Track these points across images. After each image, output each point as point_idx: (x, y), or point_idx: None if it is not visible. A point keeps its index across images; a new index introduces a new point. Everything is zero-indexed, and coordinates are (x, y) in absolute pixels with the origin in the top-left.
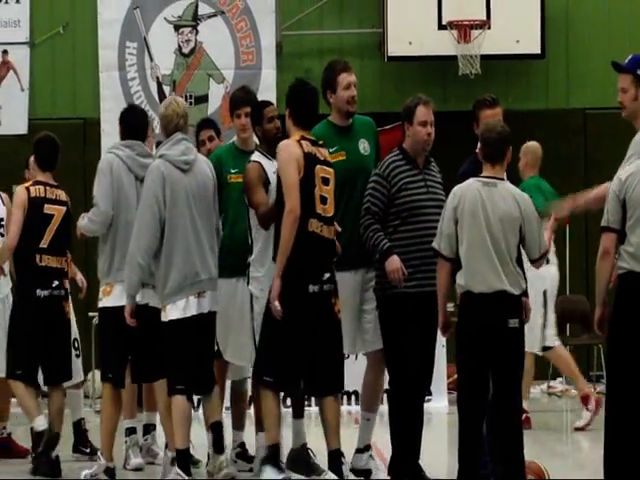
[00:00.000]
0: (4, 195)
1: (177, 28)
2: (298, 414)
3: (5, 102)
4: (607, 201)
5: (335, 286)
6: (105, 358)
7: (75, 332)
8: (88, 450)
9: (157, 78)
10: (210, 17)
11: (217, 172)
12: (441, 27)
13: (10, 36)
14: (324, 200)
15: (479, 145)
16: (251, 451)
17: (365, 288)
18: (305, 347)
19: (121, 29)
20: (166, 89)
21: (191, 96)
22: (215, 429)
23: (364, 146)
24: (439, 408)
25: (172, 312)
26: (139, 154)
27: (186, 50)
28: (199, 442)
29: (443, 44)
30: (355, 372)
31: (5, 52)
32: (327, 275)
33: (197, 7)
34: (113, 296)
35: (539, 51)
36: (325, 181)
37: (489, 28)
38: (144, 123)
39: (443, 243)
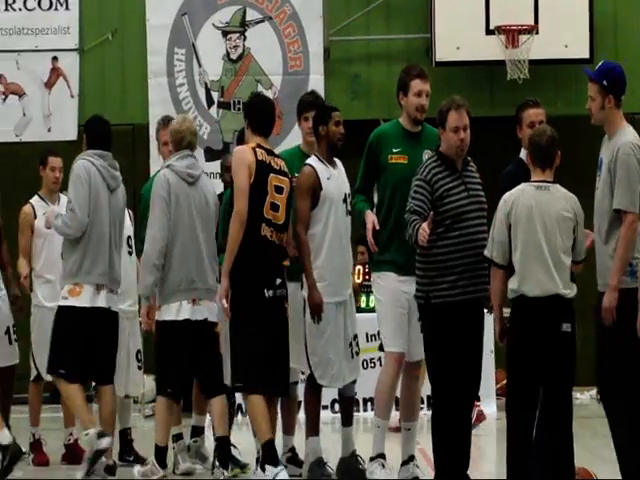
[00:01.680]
0: (131, 212)
1: (225, 34)
2: (347, 422)
3: (55, 108)
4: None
5: (286, 291)
6: (57, 353)
7: (139, 343)
8: (132, 459)
9: (205, 84)
10: (258, 23)
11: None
12: (489, 32)
13: (60, 43)
14: (275, 207)
15: (528, 149)
16: (301, 455)
17: (412, 297)
18: (267, 350)
19: (169, 35)
20: (214, 95)
21: (239, 102)
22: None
23: (427, 157)
24: (488, 414)
25: (165, 313)
26: (110, 165)
27: (234, 56)
28: (246, 448)
29: (491, 49)
30: (370, 379)
31: (55, 59)
32: (279, 280)
33: (245, 13)
34: (82, 297)
35: (587, 56)
36: (278, 189)
37: (537, 33)
38: (109, 133)
39: (496, 250)
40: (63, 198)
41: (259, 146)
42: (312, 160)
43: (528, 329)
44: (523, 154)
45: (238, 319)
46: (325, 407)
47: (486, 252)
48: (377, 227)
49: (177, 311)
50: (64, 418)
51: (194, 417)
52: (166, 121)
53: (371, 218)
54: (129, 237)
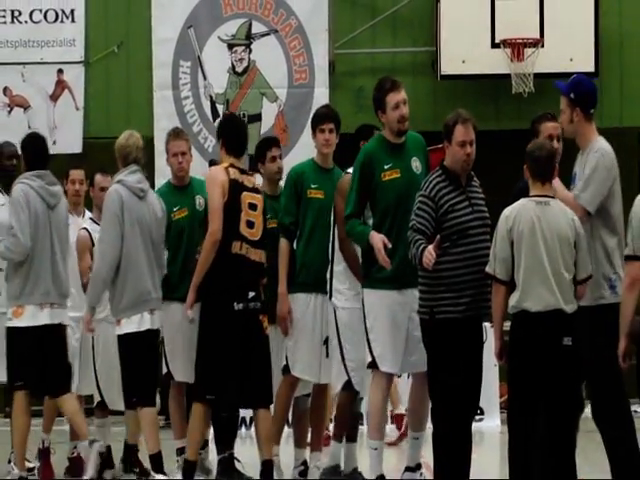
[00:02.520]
0: None
1: (231, 47)
2: (351, 438)
3: (60, 121)
4: (631, 228)
5: (262, 304)
6: (16, 369)
7: None
8: (137, 470)
9: (210, 97)
10: (263, 36)
11: (298, 186)
12: (494, 45)
13: (65, 55)
14: (251, 224)
15: (527, 163)
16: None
17: (413, 308)
18: (236, 362)
19: (175, 48)
20: (219, 108)
21: (244, 115)
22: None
23: (416, 165)
24: (491, 427)
25: (127, 326)
26: (48, 183)
27: (239, 69)
28: (250, 461)
29: (496, 62)
30: None
31: (60, 71)
32: (252, 294)
33: (250, 26)
34: (24, 317)
35: (593, 69)
36: (252, 206)
37: (542, 46)
38: (45, 149)
39: (498, 267)
40: (87, 214)
41: (232, 166)
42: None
43: (529, 344)
44: None
45: (207, 331)
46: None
47: (488, 269)
48: (389, 245)
49: (139, 322)
50: (70, 432)
51: None
52: (177, 133)
53: (379, 237)
54: None
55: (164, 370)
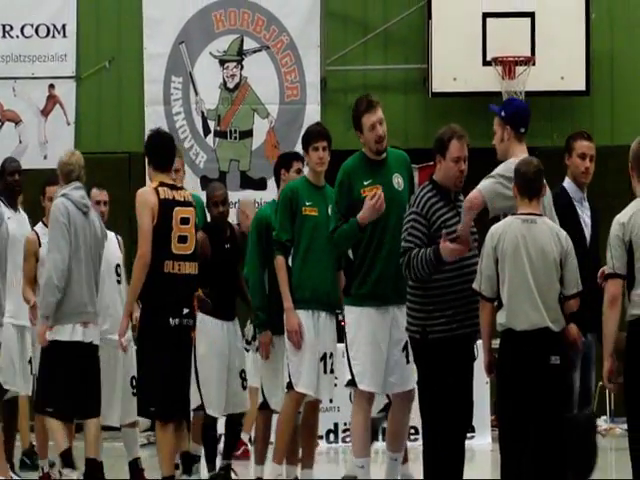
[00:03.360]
0: (120, 239)
1: (222, 63)
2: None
3: (51, 136)
4: (610, 247)
5: (194, 321)
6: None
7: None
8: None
9: (202, 113)
10: (255, 52)
11: (293, 204)
12: (486, 63)
13: (56, 70)
14: (183, 239)
15: (515, 180)
16: None
17: (394, 326)
18: (173, 375)
19: (166, 64)
20: (211, 124)
21: (236, 131)
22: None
23: (398, 181)
24: (482, 445)
25: (59, 334)
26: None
27: (231, 85)
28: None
29: (488, 80)
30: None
31: (52, 86)
32: (186, 310)
33: (242, 42)
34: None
35: (584, 88)
36: (184, 221)
37: (534, 64)
38: None
39: (484, 284)
40: (111, 234)
41: (161, 184)
42: None
43: (517, 362)
44: (567, 183)
45: (145, 347)
46: (320, 437)
47: (474, 285)
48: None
49: (71, 333)
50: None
51: (191, 446)
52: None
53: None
54: (117, 265)
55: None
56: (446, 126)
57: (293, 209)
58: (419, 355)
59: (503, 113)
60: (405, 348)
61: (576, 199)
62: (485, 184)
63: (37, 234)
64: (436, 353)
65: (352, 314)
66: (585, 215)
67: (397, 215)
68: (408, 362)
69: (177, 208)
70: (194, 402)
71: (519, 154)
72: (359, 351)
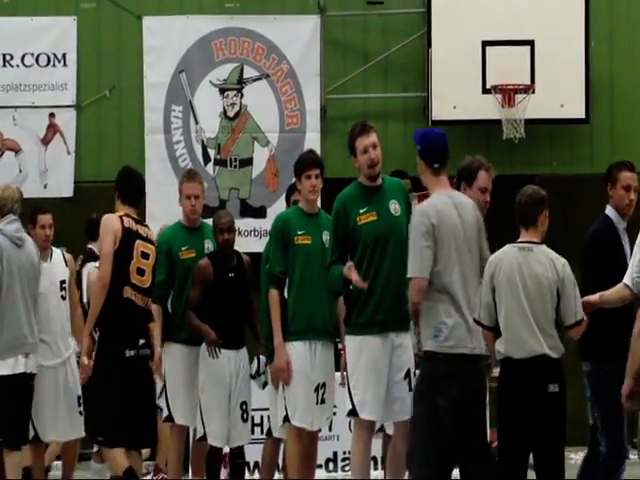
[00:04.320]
0: (68, 256)
1: (222, 91)
2: None
3: (51, 165)
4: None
5: (151, 351)
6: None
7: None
8: None
9: (202, 141)
10: (255, 80)
11: (285, 234)
12: (485, 91)
13: (57, 99)
14: (141, 272)
15: (515, 210)
16: None
17: (394, 353)
18: (124, 406)
19: (167, 92)
20: (211, 152)
21: (236, 159)
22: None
23: (395, 207)
24: None
25: (2, 369)
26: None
27: (231, 113)
28: None
29: (487, 108)
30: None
31: (52, 115)
32: (142, 341)
33: (242, 70)
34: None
35: (583, 115)
36: (144, 255)
37: (533, 92)
38: None
39: (482, 312)
40: (56, 252)
41: (127, 215)
42: None
43: (515, 391)
44: (610, 212)
45: (99, 377)
46: (319, 466)
47: (474, 315)
48: (364, 286)
49: (14, 365)
50: None
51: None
52: (191, 175)
53: (348, 265)
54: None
55: (165, 413)
56: (471, 157)
57: (285, 240)
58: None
59: (419, 147)
60: (407, 376)
61: (620, 229)
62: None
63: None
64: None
65: (352, 343)
66: (627, 245)
67: (395, 241)
68: (410, 390)
69: (139, 241)
70: (198, 433)
71: (436, 189)
72: (359, 380)
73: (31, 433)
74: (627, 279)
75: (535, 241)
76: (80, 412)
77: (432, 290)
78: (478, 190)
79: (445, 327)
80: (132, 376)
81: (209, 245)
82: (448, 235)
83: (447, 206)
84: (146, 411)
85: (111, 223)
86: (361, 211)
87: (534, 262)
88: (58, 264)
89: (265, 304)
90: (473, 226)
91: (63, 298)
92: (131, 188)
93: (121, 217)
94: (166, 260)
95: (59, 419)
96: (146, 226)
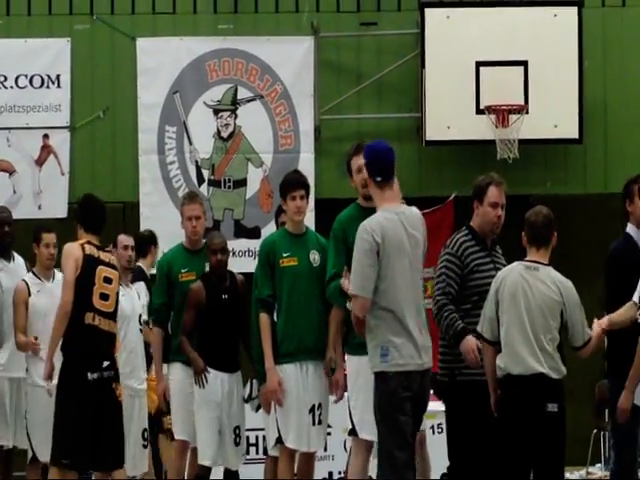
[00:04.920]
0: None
1: (216, 112)
2: None
3: (45, 186)
4: None
5: (116, 372)
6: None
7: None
8: None
9: (196, 162)
10: (249, 101)
11: (270, 257)
12: (479, 112)
13: (51, 120)
14: (105, 297)
15: (524, 229)
16: None
17: None
18: (89, 429)
19: (161, 113)
20: (205, 173)
21: (230, 180)
22: None
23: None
24: None
25: None
26: None
27: (225, 134)
28: None
29: (481, 128)
30: None
31: (46, 136)
32: (106, 363)
33: (236, 91)
34: None
35: (577, 136)
36: (107, 280)
37: (527, 113)
38: None
39: (485, 326)
40: (58, 274)
41: (89, 242)
42: None
43: (514, 408)
44: (630, 228)
45: (62, 399)
46: None
47: (478, 327)
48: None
49: None
50: None
51: None
52: (192, 196)
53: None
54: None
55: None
56: (485, 174)
57: (271, 263)
58: (448, 397)
59: (364, 159)
60: None
61: None
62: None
63: (27, 283)
64: (465, 396)
65: (352, 363)
66: None
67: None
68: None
69: (101, 267)
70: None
71: (382, 204)
72: (358, 400)
73: (30, 454)
74: (636, 297)
75: (543, 262)
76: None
77: (377, 309)
78: (489, 206)
79: (392, 346)
80: (96, 398)
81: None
82: (393, 252)
83: (392, 222)
84: (111, 433)
85: (71, 251)
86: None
87: (539, 282)
88: (60, 285)
89: (255, 327)
90: (421, 241)
91: None
92: (92, 216)
93: (82, 245)
94: (166, 282)
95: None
96: (109, 251)
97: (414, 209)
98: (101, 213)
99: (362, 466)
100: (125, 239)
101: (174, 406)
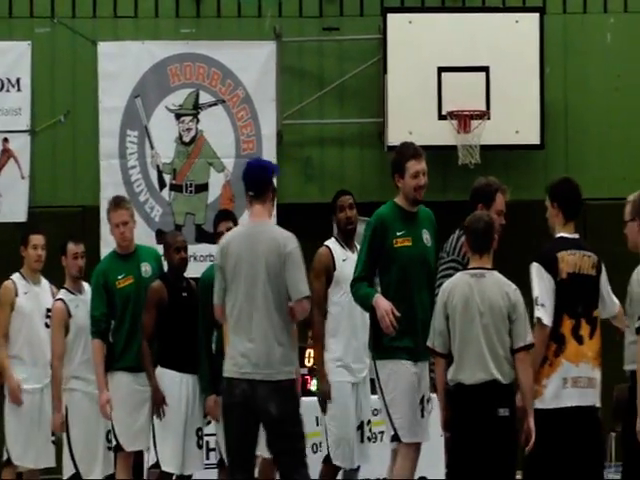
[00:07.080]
0: (54, 289)
1: (178, 117)
2: None
3: (5, 190)
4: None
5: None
6: None
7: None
8: None
9: (157, 166)
10: (211, 106)
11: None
12: (441, 117)
13: (11, 124)
14: None
15: (465, 235)
16: None
17: (423, 381)
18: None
19: (122, 117)
20: (166, 177)
21: (191, 184)
22: None
23: (426, 237)
24: None
25: None
26: None
27: (187, 139)
28: None
29: (443, 134)
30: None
31: (6, 140)
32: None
33: (198, 96)
34: None
35: (538, 141)
36: None
37: (489, 118)
38: None
39: (437, 340)
40: (44, 280)
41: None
42: (330, 242)
43: (465, 416)
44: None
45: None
46: None
47: (429, 342)
48: (397, 314)
49: None
50: None
51: None
52: (117, 202)
53: (386, 303)
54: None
55: (113, 442)
56: (485, 178)
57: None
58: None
59: (243, 173)
60: (422, 402)
61: None
62: None
63: (14, 283)
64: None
65: (388, 368)
66: None
67: (425, 271)
68: (422, 416)
69: None
70: (151, 459)
71: (249, 217)
72: (399, 405)
73: (5, 456)
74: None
75: (487, 267)
76: (53, 442)
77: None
78: (495, 213)
79: (233, 356)
80: None
81: (147, 268)
82: (231, 267)
83: (239, 236)
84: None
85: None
86: (398, 233)
87: (487, 288)
88: (46, 291)
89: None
90: (270, 257)
91: (47, 326)
92: None
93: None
94: (104, 292)
95: (33, 445)
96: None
97: (272, 229)
98: None
99: (409, 469)
100: (75, 247)
101: (118, 417)
